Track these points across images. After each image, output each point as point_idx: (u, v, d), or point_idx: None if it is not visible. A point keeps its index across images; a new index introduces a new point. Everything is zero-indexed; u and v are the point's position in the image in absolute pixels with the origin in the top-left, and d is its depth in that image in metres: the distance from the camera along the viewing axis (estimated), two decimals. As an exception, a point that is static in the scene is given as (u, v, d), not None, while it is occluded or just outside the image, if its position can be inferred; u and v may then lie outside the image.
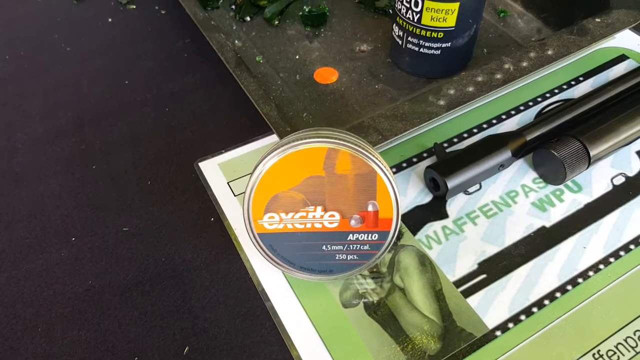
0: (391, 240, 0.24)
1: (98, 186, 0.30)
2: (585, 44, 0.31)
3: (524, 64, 0.29)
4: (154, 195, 0.29)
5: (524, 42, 0.37)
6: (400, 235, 0.28)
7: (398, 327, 0.24)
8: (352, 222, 0.24)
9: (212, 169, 0.31)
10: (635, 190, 0.29)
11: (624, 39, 0.37)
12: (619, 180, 0.30)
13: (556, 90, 0.34)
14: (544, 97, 0.34)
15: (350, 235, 0.24)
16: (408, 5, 0.31)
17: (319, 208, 0.23)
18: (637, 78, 0.33)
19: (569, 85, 0.35)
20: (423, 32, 0.32)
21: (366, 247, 0.24)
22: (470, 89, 0.28)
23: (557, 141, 0.28)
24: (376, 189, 0.23)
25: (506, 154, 0.28)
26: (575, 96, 0.34)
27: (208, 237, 0.28)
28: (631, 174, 0.30)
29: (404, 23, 0.32)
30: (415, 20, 0.32)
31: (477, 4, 0.31)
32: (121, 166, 0.31)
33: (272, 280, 0.26)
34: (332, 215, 0.23)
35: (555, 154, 0.28)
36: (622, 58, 0.36)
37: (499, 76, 0.29)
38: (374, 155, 0.23)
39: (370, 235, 0.24)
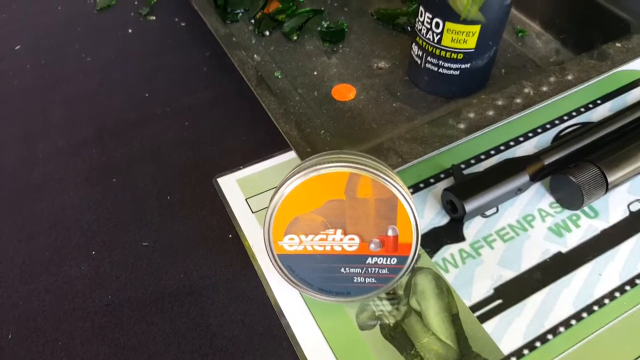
0: (410, 265, 0.24)
1: (118, 200, 0.30)
2: (605, 69, 0.31)
3: (544, 88, 0.29)
4: (173, 210, 0.30)
5: (541, 63, 0.37)
6: (417, 255, 0.28)
7: (414, 351, 0.25)
8: (372, 246, 0.24)
9: (230, 185, 0.31)
10: (652, 217, 0.29)
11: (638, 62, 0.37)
12: (636, 207, 0.30)
13: (574, 113, 0.34)
14: (561, 120, 0.34)
15: (369, 258, 0.24)
16: (429, 26, 0.32)
17: (339, 231, 0.24)
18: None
19: (587, 108, 0.35)
20: (443, 53, 0.32)
21: (385, 271, 0.24)
22: (490, 112, 0.28)
23: (574, 166, 0.29)
24: (397, 214, 0.23)
25: (524, 178, 0.29)
26: (592, 119, 0.34)
27: (226, 254, 0.28)
28: (647, 199, 0.30)
29: (424, 43, 0.33)
30: (436, 41, 0.32)
31: (498, 26, 0.31)
32: (141, 180, 0.31)
33: (290, 300, 0.26)
34: (352, 239, 0.24)
35: (573, 179, 0.28)
36: (639, 82, 0.37)
37: (518, 100, 0.29)
38: (394, 180, 0.23)
39: (389, 259, 0.24)
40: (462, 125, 0.28)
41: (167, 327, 0.25)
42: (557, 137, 0.33)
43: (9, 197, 0.31)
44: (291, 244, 0.24)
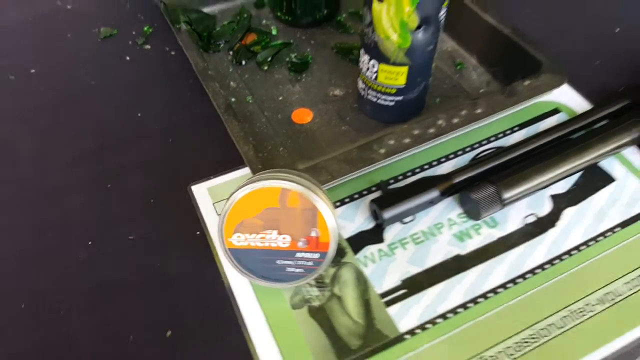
0: (329, 260, 0.31)
1: (111, 203, 0.38)
2: (510, 104, 0.37)
3: (455, 120, 0.36)
4: (155, 211, 0.37)
5: (473, 94, 0.43)
6: (343, 254, 0.35)
7: (331, 327, 0.32)
8: (300, 243, 0.31)
9: (201, 191, 0.38)
10: (543, 229, 0.36)
11: (559, 93, 0.44)
12: (531, 220, 0.36)
13: (492, 138, 0.41)
14: (480, 144, 0.41)
15: (298, 253, 0.31)
16: (368, 66, 0.38)
17: (275, 232, 0.31)
18: (559, 132, 0.39)
19: (504, 134, 0.41)
20: (379, 88, 0.39)
21: (310, 263, 0.31)
22: (407, 140, 0.35)
23: (476, 185, 0.35)
24: (317, 220, 0.30)
25: (435, 193, 0.35)
26: (508, 144, 0.40)
27: (195, 248, 0.35)
28: (542, 214, 0.36)
29: (365, 79, 0.40)
30: (373, 78, 0.39)
31: (424, 67, 0.38)
32: (130, 186, 0.39)
33: (240, 285, 0.33)
34: (285, 238, 0.31)
35: (472, 196, 0.35)
36: (555, 111, 0.43)
37: (432, 130, 0.36)
38: (316, 194, 0.30)
39: (313, 254, 0.31)
40: (382, 150, 0.35)
41: (145, 303, 0.33)
42: (474, 159, 0.40)
43: (24, 201, 0.38)
44: (238, 240, 0.31)
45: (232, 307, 0.32)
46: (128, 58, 0.48)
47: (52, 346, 0.31)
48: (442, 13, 0.36)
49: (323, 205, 0.30)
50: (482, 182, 0.35)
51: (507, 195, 0.35)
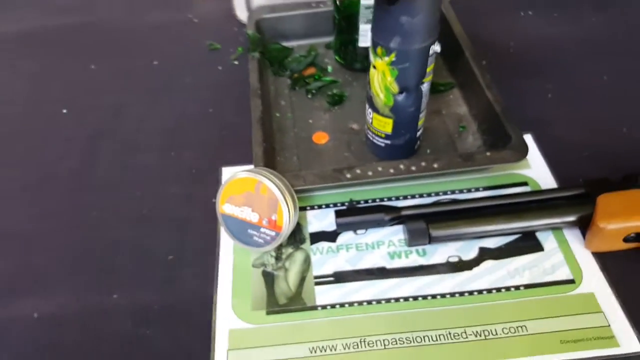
0: (281, 238, 0.44)
1: (173, 167, 0.54)
2: (463, 166, 0.46)
3: (413, 167, 0.46)
4: (196, 177, 0.52)
5: (475, 153, 0.51)
6: (303, 241, 0.47)
7: (272, 286, 0.44)
8: (264, 221, 0.44)
9: (228, 172, 0.53)
10: (460, 269, 0.45)
11: (537, 170, 0.51)
12: (454, 259, 0.45)
13: (457, 191, 0.50)
14: (444, 193, 0.50)
15: (262, 228, 0.44)
16: (367, 112, 0.50)
17: (249, 209, 0.44)
18: (509, 199, 0.47)
19: (469, 191, 0.50)
20: (373, 130, 0.50)
21: (268, 238, 0.44)
22: (370, 173, 0.46)
23: (414, 221, 0.45)
24: (277, 208, 0.43)
25: (381, 217, 0.46)
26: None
27: (211, 208, 0.49)
28: (465, 258, 0.45)
29: (367, 122, 0.51)
30: (370, 122, 0.50)
31: (408, 122, 0.48)
32: (185, 157, 0.55)
33: (226, 238, 0.47)
34: (255, 215, 0.44)
35: (407, 226, 0.45)
36: (524, 184, 0.51)
37: (391, 170, 0.46)
38: (282, 190, 0.43)
39: (271, 232, 0.44)
40: (349, 175, 0.46)
41: (165, 236, 0.48)
42: (433, 203, 0.49)
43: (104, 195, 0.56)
44: (227, 208, 0.45)
45: (216, 250, 0.46)
46: (220, 68, 0.65)
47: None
48: (425, 85, 0.46)
49: (283, 199, 0.43)
50: (420, 220, 0.45)
51: (435, 233, 0.44)
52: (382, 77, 0.45)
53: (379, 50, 0.43)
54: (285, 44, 0.65)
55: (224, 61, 0.66)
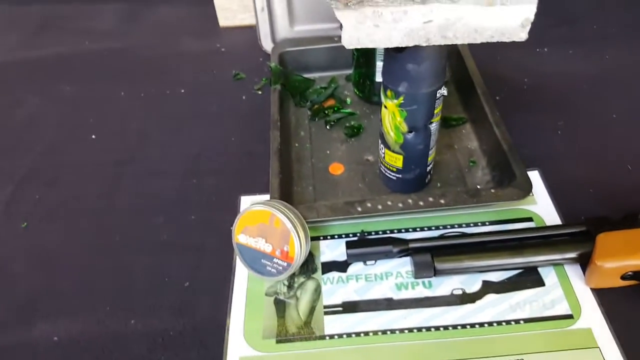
0: (293, 269, 0.46)
1: (196, 191, 0.57)
2: (469, 203, 0.48)
3: (421, 202, 0.49)
4: (216, 205, 0.55)
5: (470, 188, 0.54)
6: (315, 270, 0.49)
7: (283, 315, 0.46)
8: (277, 252, 0.47)
9: (246, 201, 0.56)
10: (463, 301, 0.46)
11: (542, 206, 0.53)
12: (458, 292, 0.47)
13: (464, 225, 0.52)
14: (452, 227, 0.52)
15: (274, 259, 0.47)
16: (380, 147, 0.52)
17: (263, 240, 0.47)
18: (515, 234, 0.49)
19: (475, 225, 0.52)
20: (386, 165, 0.53)
21: (280, 268, 0.47)
22: (379, 207, 0.49)
23: (420, 253, 0.47)
24: (289, 240, 0.46)
25: (389, 249, 0.48)
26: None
27: (229, 234, 0.52)
28: (469, 291, 0.47)
29: (380, 156, 0.53)
30: (382, 157, 0.53)
31: (417, 158, 0.51)
32: (205, 183, 0.58)
33: (241, 269, 0.50)
34: (268, 246, 0.47)
35: (414, 259, 0.47)
36: (529, 219, 0.52)
37: (400, 205, 0.49)
38: (294, 223, 0.45)
39: (283, 262, 0.46)
40: (359, 208, 0.49)
41: (188, 264, 0.51)
42: (440, 236, 0.51)
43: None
44: (242, 239, 0.48)
45: (231, 278, 0.49)
46: (244, 97, 0.68)
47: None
48: (433, 125, 0.48)
49: (295, 232, 0.45)
50: (426, 253, 0.47)
51: (439, 266, 0.46)
52: (392, 117, 0.47)
53: (389, 92, 0.46)
54: (307, 75, 0.68)
55: (248, 91, 0.69)
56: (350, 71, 0.66)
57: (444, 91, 0.46)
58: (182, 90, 0.70)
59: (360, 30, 0.40)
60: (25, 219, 0.57)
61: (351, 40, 0.40)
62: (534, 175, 0.56)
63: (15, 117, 0.69)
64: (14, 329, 0.47)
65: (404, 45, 0.41)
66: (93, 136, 0.65)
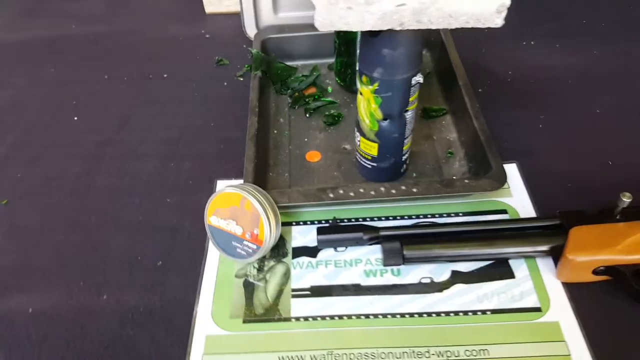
0: (262, 252, 0.46)
1: (180, 172, 0.57)
2: (442, 192, 0.48)
3: (393, 191, 0.48)
4: (193, 187, 0.55)
5: (456, 179, 0.53)
6: (285, 255, 0.49)
7: (251, 296, 0.47)
8: (247, 235, 0.47)
9: (223, 185, 0.56)
10: (430, 290, 0.46)
11: (518, 199, 0.53)
12: (426, 280, 0.47)
13: (437, 215, 0.52)
14: (425, 216, 0.52)
15: (245, 241, 0.47)
16: (356, 135, 0.52)
17: (234, 222, 0.47)
18: (487, 225, 0.49)
19: (448, 215, 0.52)
20: (361, 153, 0.53)
21: (250, 250, 0.47)
22: (352, 194, 0.48)
23: (390, 241, 0.47)
24: (259, 223, 0.45)
25: (360, 236, 0.48)
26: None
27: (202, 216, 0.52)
28: (437, 280, 0.47)
29: (356, 144, 0.53)
30: (358, 145, 0.52)
31: (391, 147, 0.51)
32: (183, 168, 0.58)
33: (213, 251, 0.50)
34: (239, 228, 0.47)
35: (383, 246, 0.47)
36: (503, 211, 0.52)
37: (372, 192, 0.48)
38: (264, 207, 0.45)
39: (252, 245, 0.46)
40: (331, 195, 0.49)
41: (165, 238, 0.51)
42: (413, 225, 0.51)
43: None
44: (214, 220, 0.48)
45: (203, 259, 0.49)
46: (225, 84, 0.68)
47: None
48: (409, 113, 0.48)
49: (265, 215, 0.45)
50: (395, 240, 0.47)
51: (408, 254, 0.46)
52: (367, 104, 0.47)
53: (364, 78, 0.46)
54: (290, 63, 0.68)
55: (230, 77, 0.69)
56: (332, 60, 0.66)
57: (419, 78, 0.46)
58: (165, 75, 0.70)
59: (332, 13, 0.39)
60: (5, 196, 0.57)
61: (324, 22, 0.40)
62: (512, 168, 0.56)
63: (0, 97, 0.69)
64: (-11, 300, 0.48)
65: (377, 29, 0.40)
66: (75, 118, 0.65)
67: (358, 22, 0.39)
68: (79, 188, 0.57)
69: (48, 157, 0.61)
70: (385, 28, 0.40)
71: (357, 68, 0.47)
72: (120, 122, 0.64)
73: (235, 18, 0.75)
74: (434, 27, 0.40)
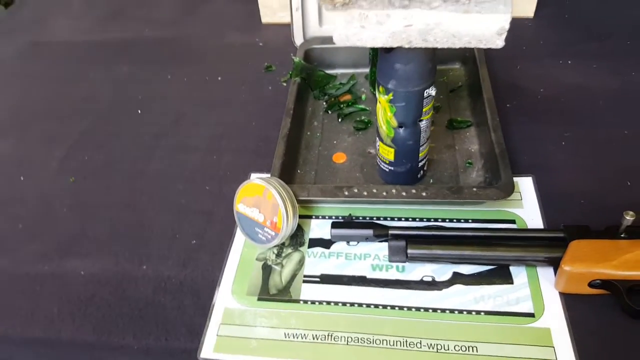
0: (280, 238, 0.52)
1: (222, 161, 0.64)
2: (450, 198, 0.52)
3: (404, 193, 0.52)
4: (230, 178, 0.62)
5: (464, 186, 0.57)
6: (302, 244, 0.55)
7: (267, 278, 0.52)
8: (268, 222, 0.52)
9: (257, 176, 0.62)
10: (431, 288, 0.50)
11: (528, 210, 0.55)
12: (428, 279, 0.51)
13: (447, 220, 0.55)
14: (436, 220, 0.55)
15: (265, 227, 0.53)
16: (375, 140, 0.57)
17: (257, 210, 0.53)
18: (493, 232, 0.52)
19: (459, 220, 0.55)
20: (380, 157, 0.57)
21: (269, 237, 0.53)
22: (365, 193, 0.53)
23: (396, 239, 0.51)
24: (278, 213, 0.51)
25: (369, 233, 0.52)
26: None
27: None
28: (438, 279, 0.50)
29: (375, 148, 0.58)
30: (377, 150, 0.57)
31: (407, 152, 0.54)
32: (225, 159, 0.64)
33: (239, 235, 0.56)
34: (261, 216, 0.52)
35: (389, 243, 0.51)
36: (512, 221, 0.54)
37: (384, 193, 0.53)
38: (284, 198, 0.51)
39: (271, 232, 0.52)
40: (347, 192, 0.53)
41: (201, 212, 0.58)
42: (424, 227, 0.54)
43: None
44: (241, 208, 0.54)
45: (230, 242, 0.56)
46: (270, 88, 0.74)
47: (144, 223, 0.59)
48: (423, 122, 0.52)
49: (283, 206, 0.51)
50: (400, 239, 0.51)
51: (411, 252, 0.50)
52: (383, 112, 0.52)
53: (380, 88, 0.50)
54: (330, 71, 0.74)
55: (275, 82, 0.76)
56: (368, 70, 0.71)
57: (432, 91, 0.50)
58: (219, 78, 0.78)
59: (348, 30, 0.44)
60: (73, 174, 0.66)
61: (340, 37, 0.45)
62: (527, 181, 0.58)
63: (78, 89, 0.80)
64: (52, 261, 0.56)
65: (388, 46, 0.45)
66: (139, 111, 0.74)
67: (370, 39, 0.44)
68: (134, 172, 0.65)
69: (112, 144, 0.70)
70: (395, 45, 0.44)
71: (376, 78, 0.51)
72: (176, 118, 0.72)
73: (287, 28, 0.81)
74: (439, 46, 0.44)
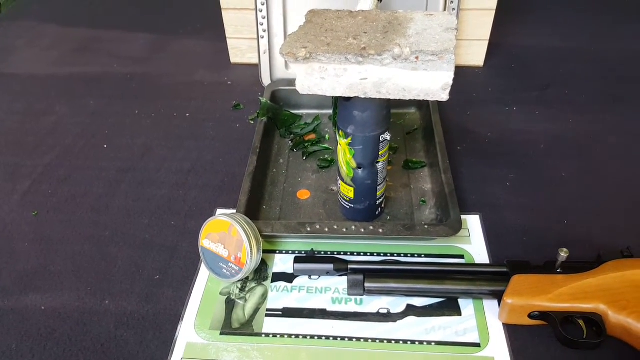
0: (244, 274, 0.54)
1: (191, 194, 0.66)
2: (404, 234, 0.55)
3: (362, 230, 0.56)
4: (194, 214, 0.64)
5: (416, 224, 0.61)
6: (265, 278, 0.57)
7: (230, 312, 0.54)
8: (232, 257, 0.55)
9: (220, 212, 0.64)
10: (385, 320, 0.53)
11: (476, 246, 0.59)
12: (383, 311, 0.54)
13: (402, 255, 0.59)
14: (392, 255, 0.59)
15: (230, 263, 0.55)
16: (337, 178, 0.60)
17: (222, 246, 0.55)
18: (443, 267, 0.55)
19: (412, 255, 0.59)
20: (341, 194, 0.61)
21: (234, 272, 0.55)
22: (326, 229, 0.56)
23: (354, 273, 0.54)
24: (242, 248, 0.54)
25: (330, 267, 0.55)
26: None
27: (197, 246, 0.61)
28: (393, 311, 0.54)
29: (337, 186, 0.61)
30: (338, 188, 0.60)
31: (366, 192, 0.58)
32: (190, 194, 0.67)
33: (204, 270, 0.58)
34: (226, 251, 0.55)
35: (348, 277, 0.54)
36: (461, 257, 0.59)
37: (344, 230, 0.56)
38: (248, 235, 0.53)
39: (236, 267, 0.54)
40: (309, 229, 0.56)
41: (163, 257, 0.60)
42: (381, 262, 0.58)
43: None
44: (206, 243, 0.56)
45: (195, 276, 0.57)
46: (237, 125, 0.78)
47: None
48: (380, 164, 0.56)
49: (248, 242, 0.53)
50: (359, 273, 0.54)
51: (369, 285, 0.53)
52: (344, 154, 0.56)
53: (340, 132, 0.54)
54: (296, 111, 0.77)
55: (243, 120, 0.79)
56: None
57: (387, 136, 0.54)
58: (187, 114, 0.80)
59: (310, 81, 0.48)
60: (36, 208, 0.67)
61: (303, 87, 0.49)
62: (475, 219, 0.62)
63: (44, 123, 0.81)
64: (12, 295, 0.57)
65: (346, 96, 0.49)
66: (105, 145, 0.76)
67: (330, 89, 0.48)
68: (99, 206, 0.66)
69: (76, 178, 0.71)
70: (352, 95, 0.48)
71: (337, 123, 0.55)
72: (143, 152, 0.74)
73: (255, 69, 0.85)
74: (392, 97, 0.48)
